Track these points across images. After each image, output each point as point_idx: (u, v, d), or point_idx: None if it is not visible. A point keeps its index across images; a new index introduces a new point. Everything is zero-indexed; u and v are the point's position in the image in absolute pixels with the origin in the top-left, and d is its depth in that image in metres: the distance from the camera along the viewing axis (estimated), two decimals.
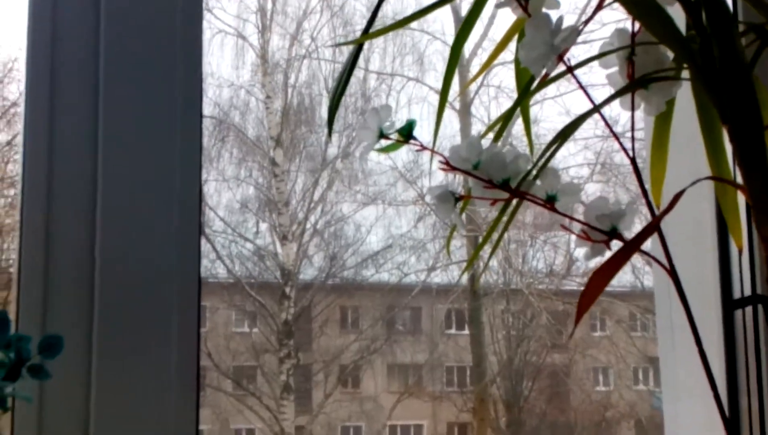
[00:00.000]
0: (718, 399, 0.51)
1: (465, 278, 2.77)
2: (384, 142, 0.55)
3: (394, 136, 0.55)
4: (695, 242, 0.72)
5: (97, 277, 0.63)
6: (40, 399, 0.61)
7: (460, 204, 0.54)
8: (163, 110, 0.66)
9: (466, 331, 2.93)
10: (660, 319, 0.77)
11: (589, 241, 0.52)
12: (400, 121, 0.55)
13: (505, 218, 0.54)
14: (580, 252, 0.52)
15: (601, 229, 0.52)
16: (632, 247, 0.47)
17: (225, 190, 2.81)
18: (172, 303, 0.64)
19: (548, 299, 2.69)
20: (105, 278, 0.63)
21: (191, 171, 0.67)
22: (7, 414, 0.60)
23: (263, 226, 3.01)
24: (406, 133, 0.55)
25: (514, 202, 0.53)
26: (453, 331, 2.98)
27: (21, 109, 0.67)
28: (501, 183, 0.52)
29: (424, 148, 0.54)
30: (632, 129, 0.52)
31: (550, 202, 0.53)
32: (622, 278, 2.60)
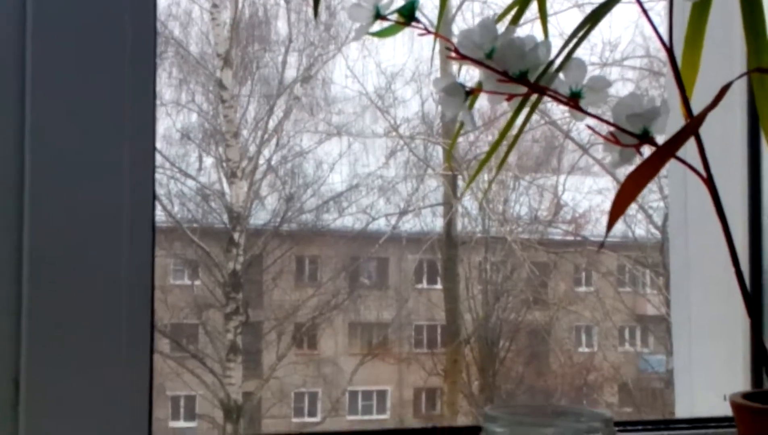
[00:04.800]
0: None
1: (439, 225, 2.77)
2: (380, 25, 0.53)
3: (393, 18, 0.53)
4: (724, 150, 0.74)
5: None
6: None
7: (469, 99, 0.52)
8: (88, 19, 0.63)
9: (439, 286, 2.96)
10: (674, 245, 0.79)
11: (618, 144, 0.51)
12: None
13: (520, 119, 0.53)
14: (608, 158, 0.52)
15: (632, 132, 0.51)
16: (670, 148, 0.46)
17: (162, 116, 2.73)
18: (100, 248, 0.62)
19: (532, 249, 2.72)
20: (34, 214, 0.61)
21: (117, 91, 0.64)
22: None
23: (208, 161, 2.95)
24: (408, 14, 0.53)
25: (533, 98, 0.52)
26: (424, 285, 3.00)
27: None
28: (518, 76, 0.51)
29: (428, 31, 0.53)
30: (670, 11, 0.51)
31: (573, 99, 0.52)
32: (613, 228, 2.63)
